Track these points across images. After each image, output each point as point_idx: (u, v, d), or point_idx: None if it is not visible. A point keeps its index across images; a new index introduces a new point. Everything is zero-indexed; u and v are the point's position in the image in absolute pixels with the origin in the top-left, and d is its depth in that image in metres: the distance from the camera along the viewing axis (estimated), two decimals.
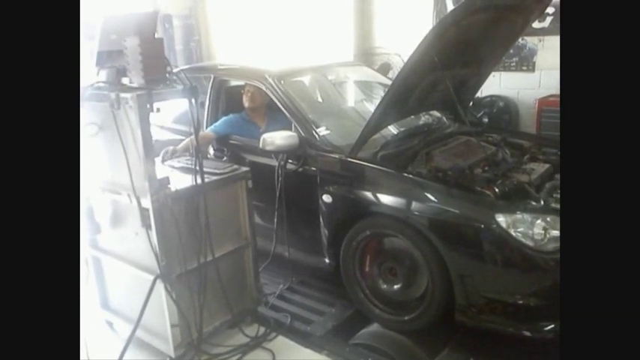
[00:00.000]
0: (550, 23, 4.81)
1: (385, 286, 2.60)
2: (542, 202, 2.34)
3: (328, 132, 2.84)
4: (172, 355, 2.23)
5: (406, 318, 2.49)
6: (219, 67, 3.70)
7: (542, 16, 4.64)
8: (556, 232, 2.14)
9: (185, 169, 2.37)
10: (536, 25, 4.73)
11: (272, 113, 3.16)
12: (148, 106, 1.98)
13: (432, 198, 2.33)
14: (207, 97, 3.35)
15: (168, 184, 2.15)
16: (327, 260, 2.78)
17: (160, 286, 2.14)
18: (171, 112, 3.42)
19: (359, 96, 3.75)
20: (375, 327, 2.61)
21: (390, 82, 3.05)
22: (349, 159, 2.60)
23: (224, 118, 3.24)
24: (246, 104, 3.23)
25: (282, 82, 3.03)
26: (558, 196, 2.44)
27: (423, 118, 3.40)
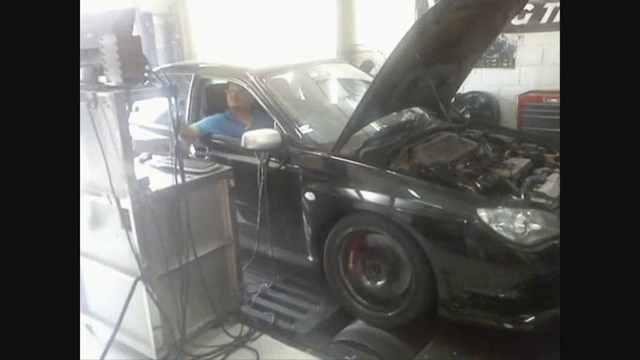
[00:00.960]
0: (529, 20, 4.87)
1: (369, 282, 2.60)
2: (522, 197, 2.37)
3: (311, 130, 2.83)
4: (154, 357, 2.21)
5: (390, 314, 2.50)
6: (201, 65, 3.66)
7: (521, 13, 4.70)
8: (536, 226, 2.17)
9: (166, 169, 2.34)
10: (515, 22, 4.78)
11: (257, 112, 3.15)
12: (127, 105, 1.95)
13: (415, 194, 2.34)
14: (189, 95, 3.32)
15: (148, 184, 2.12)
16: (310, 258, 2.77)
17: (140, 287, 2.11)
18: (152, 112, 3.37)
19: (342, 93, 3.75)
20: (359, 324, 2.61)
21: (372, 79, 3.05)
22: (332, 156, 2.60)
23: (209, 118, 3.22)
24: (230, 103, 3.22)
25: (263, 80, 3.01)
26: (538, 190, 2.47)
27: (406, 115, 3.41)
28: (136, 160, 2.38)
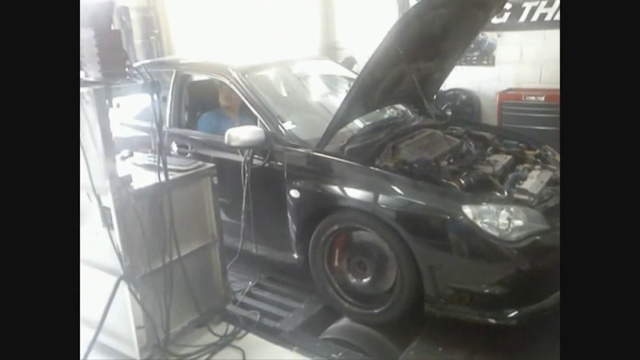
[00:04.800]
0: (508, 19, 4.94)
1: (354, 280, 2.60)
2: (505, 193, 2.39)
3: (294, 126, 2.81)
4: (138, 358, 2.16)
5: (376, 311, 2.50)
6: (182, 61, 3.61)
7: (500, 12, 4.75)
8: (519, 222, 2.20)
9: (148, 167, 2.29)
10: (494, 20, 4.83)
11: (246, 108, 3.12)
12: (107, 101, 1.90)
13: (399, 191, 2.34)
14: (170, 92, 3.27)
15: (131, 182, 2.07)
16: (295, 256, 2.76)
17: (123, 287, 2.06)
18: (131, 109, 3.31)
19: (324, 90, 3.73)
20: (344, 321, 2.61)
21: (354, 76, 3.04)
22: (316, 153, 2.59)
23: (203, 119, 3.24)
24: (222, 103, 3.27)
25: (246, 76, 2.98)
26: (521, 186, 2.50)
27: (389, 112, 3.41)
28: (117, 157, 2.34)
